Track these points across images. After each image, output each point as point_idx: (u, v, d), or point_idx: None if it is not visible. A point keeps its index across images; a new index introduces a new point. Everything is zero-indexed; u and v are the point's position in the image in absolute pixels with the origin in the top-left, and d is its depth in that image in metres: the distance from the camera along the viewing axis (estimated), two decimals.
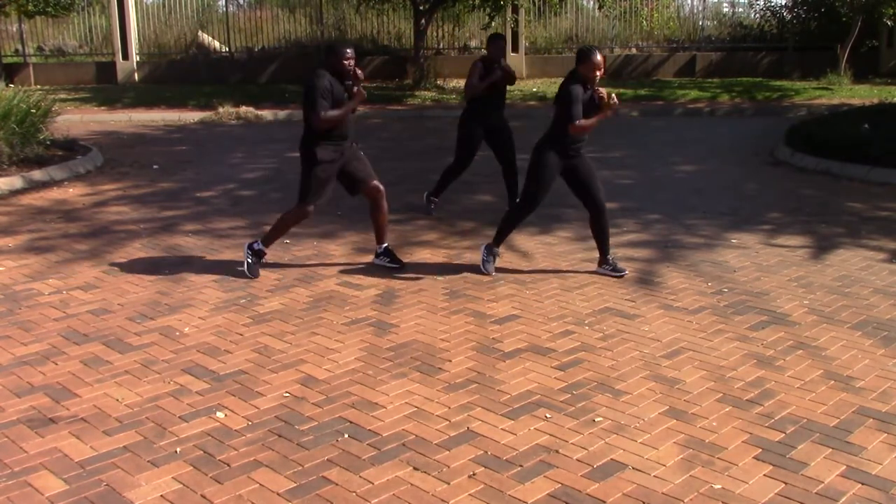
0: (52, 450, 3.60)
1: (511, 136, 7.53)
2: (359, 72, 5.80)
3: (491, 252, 6.03)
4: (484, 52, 7.82)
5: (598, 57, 5.62)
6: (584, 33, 21.62)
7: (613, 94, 5.70)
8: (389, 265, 6.11)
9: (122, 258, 6.44)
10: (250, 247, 6.00)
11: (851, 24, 17.93)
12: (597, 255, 6.09)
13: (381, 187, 6.03)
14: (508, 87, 7.58)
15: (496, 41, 7.41)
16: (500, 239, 6.05)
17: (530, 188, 5.87)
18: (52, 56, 21.42)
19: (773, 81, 18.64)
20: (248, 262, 5.95)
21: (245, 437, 3.71)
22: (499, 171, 7.73)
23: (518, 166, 7.53)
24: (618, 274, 5.92)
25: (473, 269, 6.10)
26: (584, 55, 5.64)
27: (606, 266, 5.98)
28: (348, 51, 5.72)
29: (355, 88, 5.77)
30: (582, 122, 5.59)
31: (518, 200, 6.05)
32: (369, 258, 6.34)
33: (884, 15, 17.49)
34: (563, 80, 5.82)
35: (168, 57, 20.68)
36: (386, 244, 6.16)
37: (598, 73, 5.65)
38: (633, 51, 21.00)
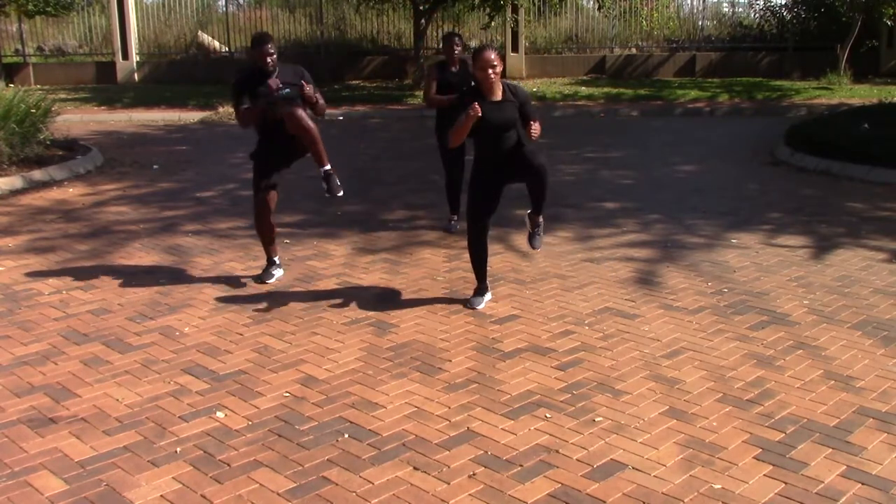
0: (52, 450, 3.60)
1: None
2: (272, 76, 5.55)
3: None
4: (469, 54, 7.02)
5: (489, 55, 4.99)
6: (584, 33, 21.62)
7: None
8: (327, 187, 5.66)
9: (122, 258, 6.44)
10: (272, 264, 5.95)
11: (851, 24, 17.93)
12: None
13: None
14: None
15: (449, 40, 6.90)
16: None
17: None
18: (52, 56, 21.43)
19: (772, 81, 18.64)
20: (274, 276, 5.91)
21: (245, 437, 3.71)
22: None
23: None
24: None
25: None
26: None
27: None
28: (267, 46, 5.48)
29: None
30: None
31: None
32: (369, 258, 6.34)
33: (884, 15, 17.49)
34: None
35: (168, 57, 20.69)
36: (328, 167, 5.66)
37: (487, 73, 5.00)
38: (633, 51, 21.00)
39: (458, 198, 7.15)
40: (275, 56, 5.55)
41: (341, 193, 5.64)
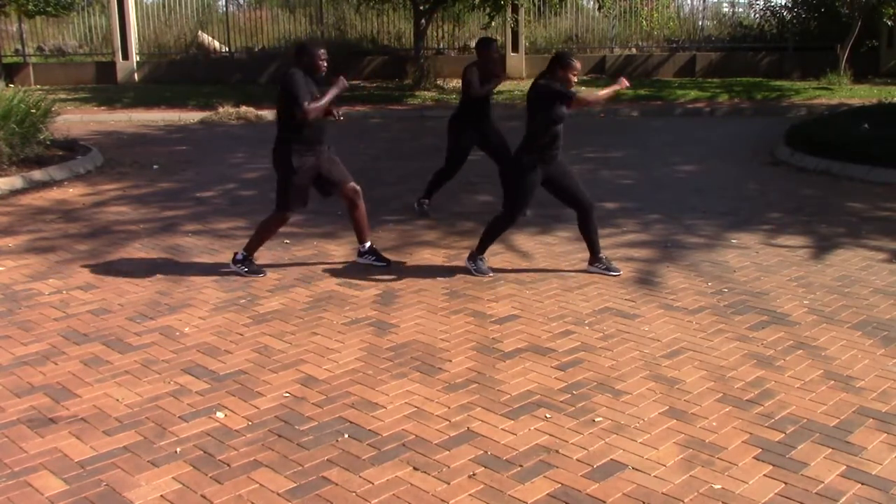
0: (52, 450, 3.60)
1: (502, 136, 7.49)
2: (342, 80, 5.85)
3: (474, 261, 5.99)
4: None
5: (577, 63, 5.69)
6: (584, 33, 21.63)
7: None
8: (376, 263, 6.10)
9: (122, 258, 6.44)
10: (234, 261, 5.98)
11: (851, 24, 17.93)
12: None
13: (358, 188, 6.03)
14: (503, 87, 7.62)
15: (490, 46, 7.43)
16: (483, 248, 6.02)
17: (515, 200, 5.83)
18: (52, 56, 21.44)
19: (772, 81, 18.64)
20: (242, 271, 5.93)
21: (245, 437, 3.71)
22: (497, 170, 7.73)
23: None
24: (612, 273, 5.92)
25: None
26: (564, 60, 5.63)
27: (599, 265, 5.98)
28: (322, 51, 5.69)
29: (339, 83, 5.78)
30: (588, 96, 5.68)
31: (501, 211, 6.00)
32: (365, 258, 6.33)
33: (884, 15, 17.49)
34: (532, 85, 5.76)
35: (168, 57, 20.69)
36: (369, 242, 6.15)
37: (574, 78, 5.66)
38: (633, 51, 21.00)
39: (439, 189, 7.81)
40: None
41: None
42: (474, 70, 7.29)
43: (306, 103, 5.50)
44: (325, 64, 5.71)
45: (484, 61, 7.34)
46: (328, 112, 5.75)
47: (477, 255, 6.02)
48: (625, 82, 5.85)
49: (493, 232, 5.98)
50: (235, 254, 6.03)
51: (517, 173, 5.77)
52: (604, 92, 5.71)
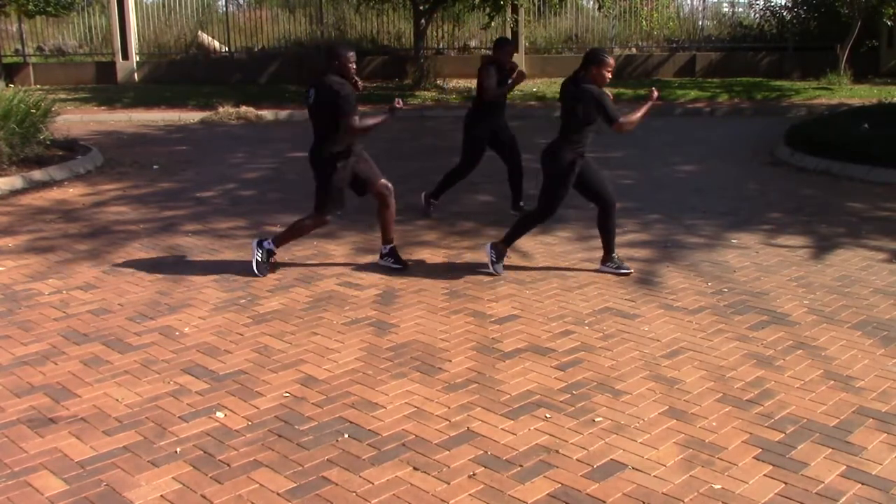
0: (52, 450, 3.60)
1: (514, 137, 7.54)
2: (359, 82, 5.91)
3: (497, 251, 6.01)
4: (486, 52, 7.87)
5: (612, 59, 5.73)
6: (584, 33, 21.62)
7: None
8: (393, 266, 6.11)
9: (122, 258, 6.45)
10: (260, 244, 5.99)
11: (851, 24, 17.93)
12: (598, 254, 6.08)
13: (390, 185, 6.08)
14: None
15: (508, 46, 7.44)
16: (510, 240, 6.03)
17: (553, 197, 5.85)
18: (52, 56, 21.42)
19: (772, 81, 18.63)
20: (257, 259, 5.93)
21: (245, 437, 3.71)
22: (500, 170, 7.74)
23: (525, 167, 7.54)
24: (622, 272, 5.92)
25: (473, 269, 6.10)
26: (599, 57, 5.69)
27: (611, 264, 5.98)
28: (351, 53, 5.78)
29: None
30: (629, 118, 5.64)
31: (537, 207, 6.00)
32: (369, 258, 6.33)
33: (884, 15, 17.49)
34: (570, 81, 5.83)
35: (168, 57, 20.68)
36: (392, 244, 6.17)
37: (609, 75, 5.70)
38: (633, 51, 20.99)
39: (449, 188, 7.73)
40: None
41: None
42: (491, 71, 7.23)
43: (357, 119, 5.64)
44: (355, 67, 5.79)
45: (502, 61, 7.31)
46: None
47: (502, 245, 6.02)
48: (655, 94, 5.87)
49: (524, 225, 6.00)
50: (264, 240, 6.02)
51: (558, 169, 5.77)
52: (641, 112, 5.74)
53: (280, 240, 6.04)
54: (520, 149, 7.56)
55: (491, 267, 5.96)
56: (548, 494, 3.27)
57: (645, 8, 20.74)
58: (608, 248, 6.00)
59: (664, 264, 6.24)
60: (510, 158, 7.54)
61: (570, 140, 5.74)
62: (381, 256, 6.19)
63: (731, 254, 6.48)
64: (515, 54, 8.29)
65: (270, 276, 5.96)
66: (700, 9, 21.73)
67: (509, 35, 19.48)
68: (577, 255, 6.45)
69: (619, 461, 3.50)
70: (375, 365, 4.47)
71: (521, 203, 7.58)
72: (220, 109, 15.06)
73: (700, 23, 21.56)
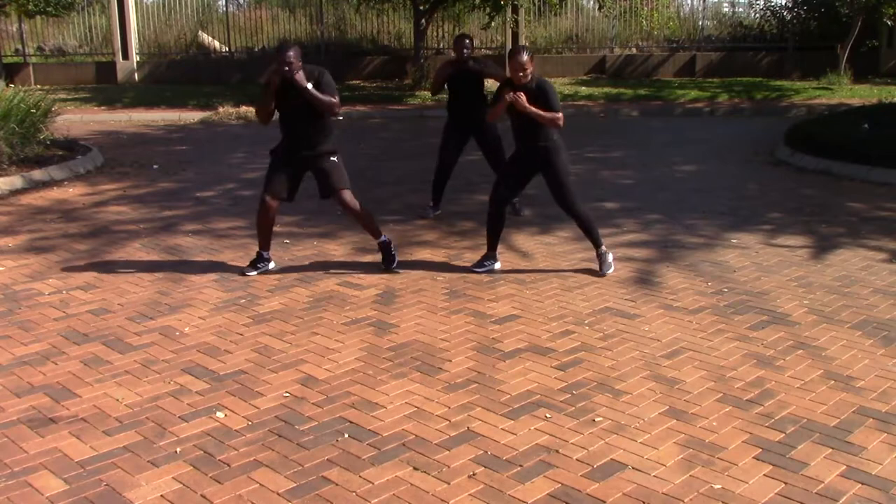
0: (52, 450, 3.60)
1: (495, 139, 7.33)
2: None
3: (603, 252, 6.02)
4: (486, 52, 7.83)
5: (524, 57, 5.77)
6: (584, 33, 21.62)
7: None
8: (383, 262, 6.08)
9: (122, 258, 6.45)
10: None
11: (851, 24, 17.93)
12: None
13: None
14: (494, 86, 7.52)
15: (458, 41, 7.38)
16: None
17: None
18: (52, 56, 21.43)
19: (772, 81, 18.63)
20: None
21: (245, 437, 3.71)
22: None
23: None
24: (601, 271, 5.92)
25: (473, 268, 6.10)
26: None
27: (597, 260, 6.02)
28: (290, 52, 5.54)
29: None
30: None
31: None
32: (369, 258, 6.33)
33: (884, 15, 17.49)
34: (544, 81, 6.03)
35: (168, 57, 20.69)
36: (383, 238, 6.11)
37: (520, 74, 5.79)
38: (633, 51, 20.99)
39: (443, 188, 7.64)
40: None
41: (395, 265, 6.08)
42: (443, 65, 7.38)
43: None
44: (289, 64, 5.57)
45: (456, 56, 7.34)
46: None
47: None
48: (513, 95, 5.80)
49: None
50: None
51: (565, 166, 5.93)
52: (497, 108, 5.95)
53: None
54: (500, 150, 7.34)
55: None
56: (548, 494, 3.27)
57: (645, 8, 20.75)
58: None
59: (664, 264, 6.24)
60: (489, 161, 7.43)
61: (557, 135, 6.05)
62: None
63: (731, 254, 6.48)
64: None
65: (270, 275, 5.96)
66: (700, 9, 21.73)
67: (509, 35, 19.54)
68: (577, 255, 6.45)
69: (619, 461, 3.50)
70: (375, 365, 4.47)
71: (516, 201, 7.53)
72: (221, 109, 15.07)
73: (700, 23, 21.55)
